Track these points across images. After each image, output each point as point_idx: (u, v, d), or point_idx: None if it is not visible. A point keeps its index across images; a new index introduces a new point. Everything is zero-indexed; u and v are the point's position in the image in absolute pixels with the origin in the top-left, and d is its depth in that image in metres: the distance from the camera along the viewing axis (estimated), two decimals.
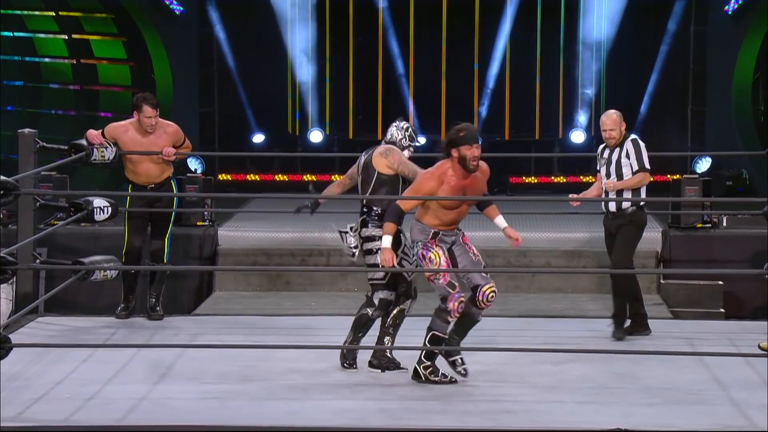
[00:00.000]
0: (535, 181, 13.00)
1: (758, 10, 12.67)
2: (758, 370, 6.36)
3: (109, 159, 7.65)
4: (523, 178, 12.92)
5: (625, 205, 7.20)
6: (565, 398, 5.94)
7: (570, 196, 7.25)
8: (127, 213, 7.72)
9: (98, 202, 7.45)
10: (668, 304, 9.05)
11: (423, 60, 13.15)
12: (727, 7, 12.86)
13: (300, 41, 13.12)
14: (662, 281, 9.32)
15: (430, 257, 6.05)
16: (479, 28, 13.10)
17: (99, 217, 7.43)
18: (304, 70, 13.16)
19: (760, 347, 6.84)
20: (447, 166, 6.01)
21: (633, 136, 7.36)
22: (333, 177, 13.08)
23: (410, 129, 6.66)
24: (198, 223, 9.98)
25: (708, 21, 12.82)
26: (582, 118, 13.04)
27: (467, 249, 6.14)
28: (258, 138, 13.36)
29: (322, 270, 9.64)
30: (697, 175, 10.75)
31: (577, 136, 12.87)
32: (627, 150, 7.25)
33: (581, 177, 12.69)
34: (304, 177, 13.05)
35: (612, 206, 7.26)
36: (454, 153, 5.95)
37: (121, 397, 5.86)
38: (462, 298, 6.01)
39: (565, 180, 12.88)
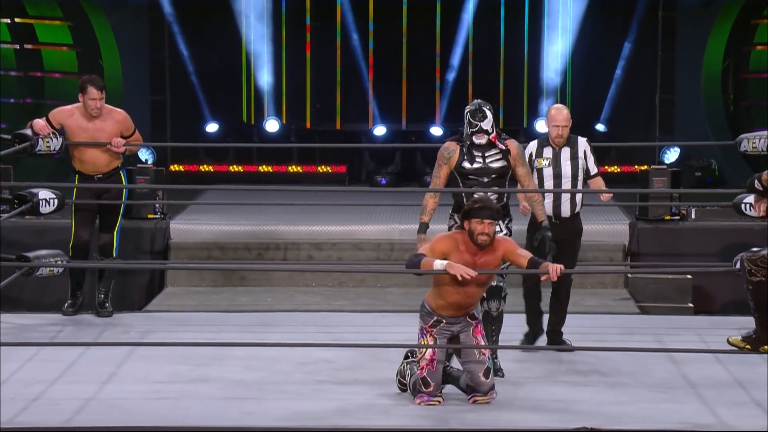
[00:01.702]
0: None
1: None
2: (727, 366, 6.31)
3: (54, 150, 7.45)
4: None
5: (577, 209, 6.88)
6: (530, 395, 5.86)
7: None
8: (74, 205, 7.55)
9: (44, 193, 7.23)
10: (636, 298, 9.04)
11: (383, 46, 13.00)
12: None
13: (255, 26, 12.96)
14: (630, 275, 9.27)
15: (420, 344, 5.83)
16: (441, 14, 12.97)
17: (44, 209, 7.23)
18: (260, 57, 12.99)
19: (729, 342, 6.76)
20: (465, 234, 5.76)
21: (581, 136, 6.98)
22: (290, 168, 13.03)
23: (468, 113, 6.20)
24: (149, 216, 9.86)
25: (677, 6, 12.73)
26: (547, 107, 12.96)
27: (475, 343, 5.80)
28: (212, 127, 13.19)
29: (280, 266, 9.55)
30: (665, 166, 10.73)
31: (543, 126, 12.77)
32: (584, 151, 6.86)
33: None
34: (260, 168, 12.91)
35: (566, 212, 6.87)
36: (466, 225, 5.72)
37: (69, 398, 5.76)
38: (429, 403, 5.73)
39: None
